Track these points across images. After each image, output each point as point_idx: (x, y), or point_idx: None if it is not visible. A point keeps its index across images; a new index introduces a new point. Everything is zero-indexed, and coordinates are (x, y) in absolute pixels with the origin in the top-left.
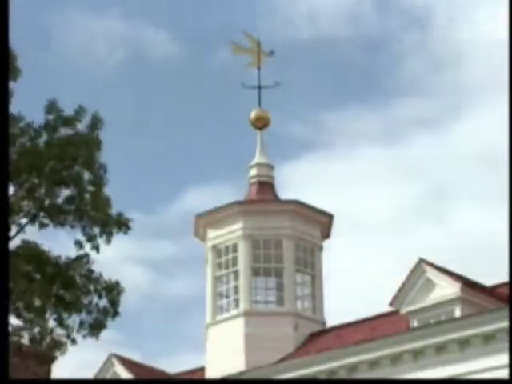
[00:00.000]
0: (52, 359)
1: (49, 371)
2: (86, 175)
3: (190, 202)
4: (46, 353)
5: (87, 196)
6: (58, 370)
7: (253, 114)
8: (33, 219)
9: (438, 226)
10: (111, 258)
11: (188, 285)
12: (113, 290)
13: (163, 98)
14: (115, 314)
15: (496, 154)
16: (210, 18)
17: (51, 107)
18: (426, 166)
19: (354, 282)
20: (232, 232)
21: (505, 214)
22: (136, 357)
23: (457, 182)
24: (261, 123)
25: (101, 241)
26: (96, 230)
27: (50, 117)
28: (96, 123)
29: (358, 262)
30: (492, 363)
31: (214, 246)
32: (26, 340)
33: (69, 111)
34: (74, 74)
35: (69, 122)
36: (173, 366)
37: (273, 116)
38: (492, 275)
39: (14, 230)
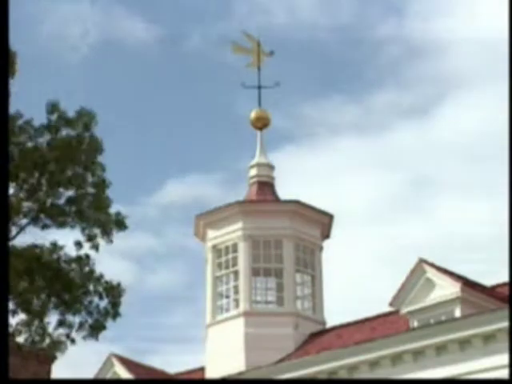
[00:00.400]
0: (52, 359)
1: (49, 371)
2: (88, 176)
3: (169, 195)
4: (46, 353)
5: (89, 197)
6: (58, 370)
7: (253, 114)
8: (33, 220)
9: (422, 217)
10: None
11: (170, 278)
12: (113, 291)
13: (143, 86)
14: (116, 314)
15: (478, 143)
16: (184, 1)
17: (53, 108)
18: (408, 156)
19: (346, 282)
20: (232, 232)
21: (488, 204)
22: (122, 352)
23: (439, 172)
24: (261, 123)
25: (102, 241)
26: (96, 230)
27: (52, 117)
28: (90, 122)
29: (345, 256)
30: (492, 363)
31: (214, 246)
32: (24, 339)
33: (43, 98)
34: (47, 60)
35: (71, 123)
36: (173, 366)
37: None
38: (476, 266)
39: (14, 230)
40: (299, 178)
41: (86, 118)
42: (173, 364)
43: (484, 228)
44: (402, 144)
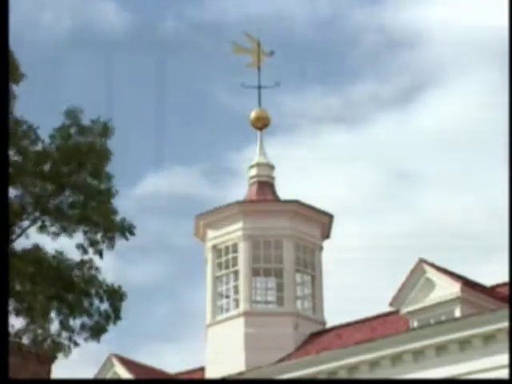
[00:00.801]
0: (52, 359)
1: (49, 371)
2: (94, 183)
3: (148, 188)
4: (46, 353)
5: (93, 203)
6: (58, 370)
7: (253, 114)
8: (36, 222)
9: (405, 211)
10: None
11: (151, 271)
12: (115, 295)
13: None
14: (117, 318)
15: (461, 133)
16: None
17: (69, 114)
18: (390, 148)
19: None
20: (232, 232)
21: (473, 196)
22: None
23: (423, 163)
24: (261, 123)
25: (103, 246)
26: (99, 235)
27: (67, 121)
28: (105, 132)
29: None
30: (492, 363)
31: (214, 246)
32: (27, 341)
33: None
34: (20, 46)
35: (84, 131)
36: (173, 366)
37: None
38: (462, 259)
39: (16, 232)
40: (283, 171)
41: (101, 128)
42: (173, 364)
43: (473, 220)
44: (384, 135)
